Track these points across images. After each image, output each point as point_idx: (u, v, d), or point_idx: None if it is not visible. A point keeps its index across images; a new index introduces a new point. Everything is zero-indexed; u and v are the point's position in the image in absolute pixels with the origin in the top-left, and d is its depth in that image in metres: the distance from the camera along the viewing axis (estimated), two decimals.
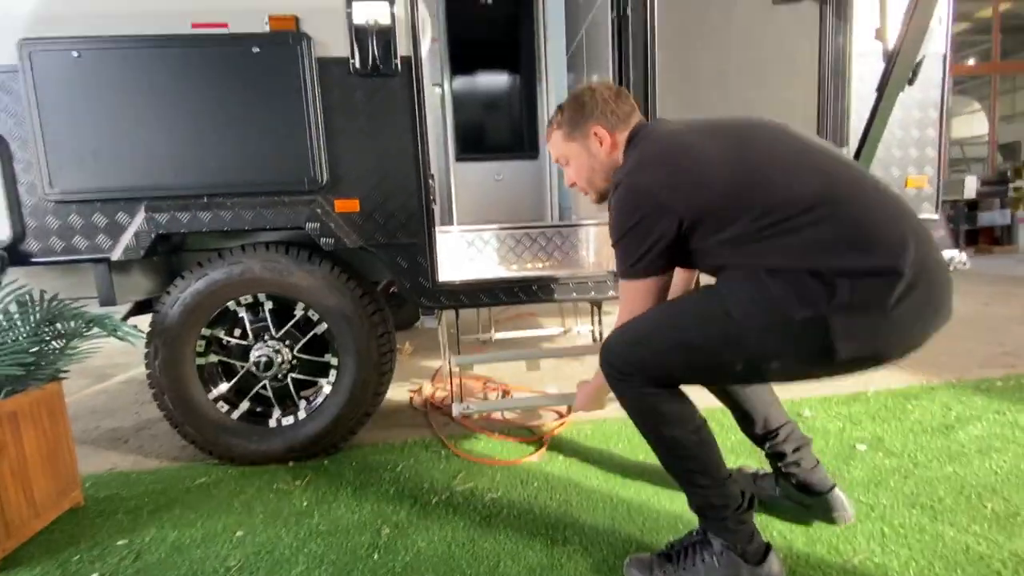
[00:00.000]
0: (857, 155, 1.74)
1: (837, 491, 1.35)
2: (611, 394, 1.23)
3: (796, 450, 1.38)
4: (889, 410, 2.05)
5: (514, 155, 3.76)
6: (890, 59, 1.62)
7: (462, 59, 3.77)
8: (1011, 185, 7.15)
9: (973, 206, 7.28)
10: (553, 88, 3.63)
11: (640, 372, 1.14)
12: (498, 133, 3.80)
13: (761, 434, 1.40)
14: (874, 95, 1.69)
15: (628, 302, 1.17)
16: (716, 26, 1.74)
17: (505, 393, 2.41)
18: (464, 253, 2.14)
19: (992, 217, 7.01)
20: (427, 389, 2.53)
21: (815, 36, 1.66)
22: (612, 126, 1.23)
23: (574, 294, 1.96)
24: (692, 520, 1.22)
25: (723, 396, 1.42)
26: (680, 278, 1.42)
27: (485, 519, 1.47)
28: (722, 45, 1.74)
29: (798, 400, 2.17)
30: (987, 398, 2.10)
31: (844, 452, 1.73)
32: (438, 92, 3.74)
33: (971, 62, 8.66)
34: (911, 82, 1.65)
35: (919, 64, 1.64)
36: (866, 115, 1.71)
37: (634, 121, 1.24)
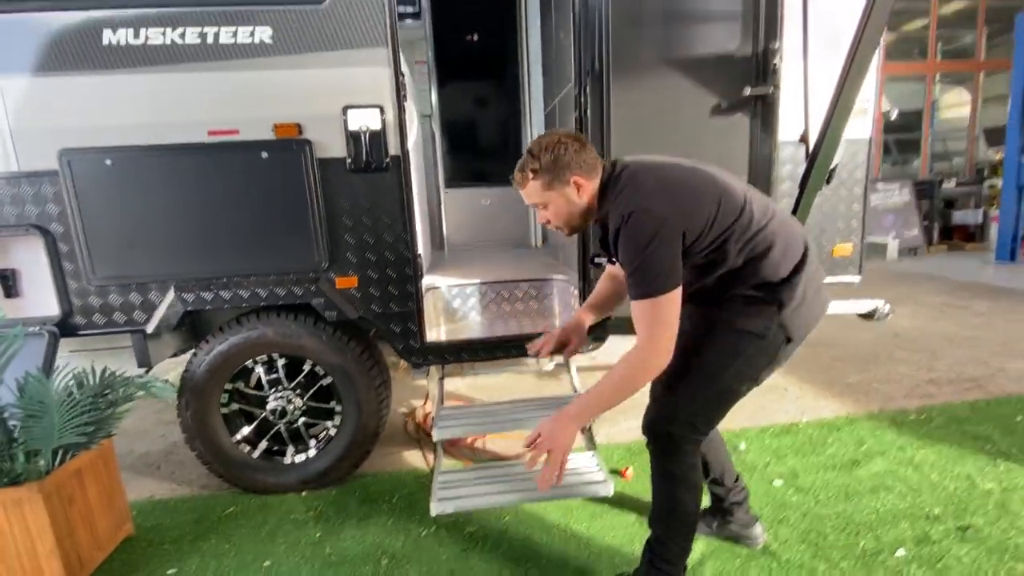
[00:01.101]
0: None
1: (757, 524, 1.73)
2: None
3: (738, 504, 1.73)
4: (812, 443, 2.40)
5: (500, 182, 4.00)
6: (810, 163, 1.89)
7: (451, 93, 3.98)
8: (987, 183, 7.40)
9: (950, 204, 7.54)
10: (536, 123, 3.86)
11: (692, 440, 1.38)
12: (485, 162, 4.04)
13: (715, 481, 1.72)
14: (797, 191, 1.98)
15: (661, 314, 1.23)
16: (663, 129, 2.01)
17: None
18: (448, 309, 2.45)
19: (965, 216, 7.28)
20: (419, 414, 2.87)
21: (746, 141, 1.93)
22: (587, 174, 1.37)
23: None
24: (632, 547, 1.58)
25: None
26: (607, 286, 1.73)
27: (464, 551, 1.82)
28: (667, 145, 2.01)
29: (737, 431, 2.53)
30: (897, 432, 2.45)
31: (763, 487, 2.09)
32: (427, 122, 3.96)
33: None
34: (828, 182, 1.93)
35: (834, 169, 1.91)
36: (790, 208, 2.00)
37: (599, 165, 1.40)
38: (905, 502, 1.95)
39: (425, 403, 3.02)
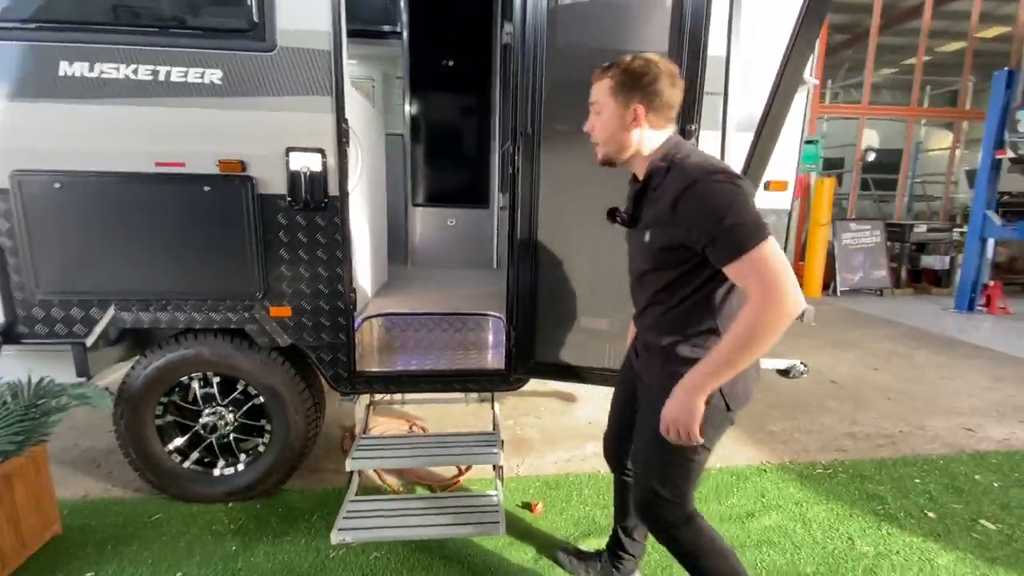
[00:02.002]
0: None
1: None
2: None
3: (632, 558, 1.85)
4: (719, 491, 2.54)
5: (466, 204, 4.12)
6: None
7: (424, 113, 4.08)
8: (956, 230, 7.58)
9: (921, 247, 7.73)
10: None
11: (681, 514, 1.38)
12: (452, 183, 4.15)
13: (625, 528, 1.83)
14: None
15: (778, 260, 1.11)
16: (589, 194, 2.13)
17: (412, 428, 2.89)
18: (384, 338, 2.57)
19: (933, 261, 7.46)
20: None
21: None
22: (652, 112, 1.28)
23: (471, 386, 2.41)
24: None
25: (621, 486, 1.79)
26: None
27: None
28: (593, 208, 2.14)
29: None
30: (800, 486, 2.60)
31: None
32: (400, 141, 4.07)
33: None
34: None
35: None
36: None
37: (670, 123, 1.33)
38: (784, 559, 2.09)
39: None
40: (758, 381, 1.41)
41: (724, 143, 2.08)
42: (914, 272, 7.75)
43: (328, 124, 2.06)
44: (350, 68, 4.74)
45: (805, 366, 2.66)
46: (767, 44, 1.96)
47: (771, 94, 1.73)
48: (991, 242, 6.38)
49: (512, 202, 2.22)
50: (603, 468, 2.73)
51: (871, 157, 7.69)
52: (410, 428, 3.03)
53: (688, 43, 1.94)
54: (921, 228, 7.52)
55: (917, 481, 2.66)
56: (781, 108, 1.75)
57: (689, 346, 1.33)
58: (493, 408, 2.46)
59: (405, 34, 3.91)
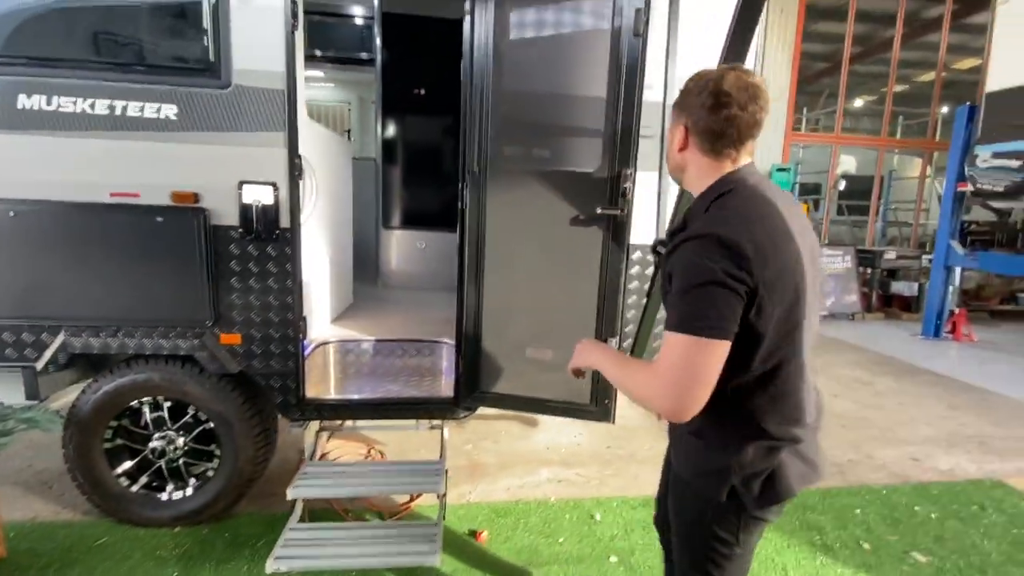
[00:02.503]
0: (634, 345, 2.25)
1: None
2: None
3: None
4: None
5: (436, 227, 4.19)
6: (655, 273, 2.11)
7: (396, 138, 4.17)
8: (925, 257, 7.76)
9: (892, 273, 7.90)
10: None
11: None
12: (423, 207, 4.23)
13: None
14: (644, 299, 2.19)
15: (681, 359, 1.00)
16: (530, 231, 2.22)
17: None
18: (338, 364, 2.61)
19: (901, 287, 7.63)
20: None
21: (599, 251, 2.15)
22: (697, 136, 1.10)
23: (421, 414, 2.46)
24: None
25: (667, 551, 1.54)
26: None
27: None
28: (533, 245, 2.23)
29: (602, 499, 2.71)
30: None
31: (598, 564, 2.26)
32: (372, 164, 4.15)
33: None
34: None
35: None
36: (638, 311, 2.22)
37: (725, 156, 1.09)
38: None
39: (326, 444, 3.17)
40: (804, 481, 1.12)
41: (661, 184, 2.18)
42: (885, 297, 7.90)
43: (281, 159, 2.13)
44: (328, 92, 4.84)
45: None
46: None
47: None
48: (958, 270, 6.55)
49: (460, 236, 2.29)
50: (553, 494, 2.78)
51: (842, 185, 7.87)
52: (368, 452, 3.06)
53: (624, 88, 2.04)
54: (891, 255, 7.70)
55: (858, 511, 2.73)
56: None
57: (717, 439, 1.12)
58: (442, 436, 2.51)
59: (378, 62, 4.01)
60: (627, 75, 2.02)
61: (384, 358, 2.67)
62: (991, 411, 4.25)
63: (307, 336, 2.32)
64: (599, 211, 2.08)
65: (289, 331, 2.25)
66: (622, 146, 2.04)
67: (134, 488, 2.36)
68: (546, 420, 3.62)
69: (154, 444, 2.34)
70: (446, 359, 2.70)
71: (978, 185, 5.45)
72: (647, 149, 2.15)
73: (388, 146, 4.16)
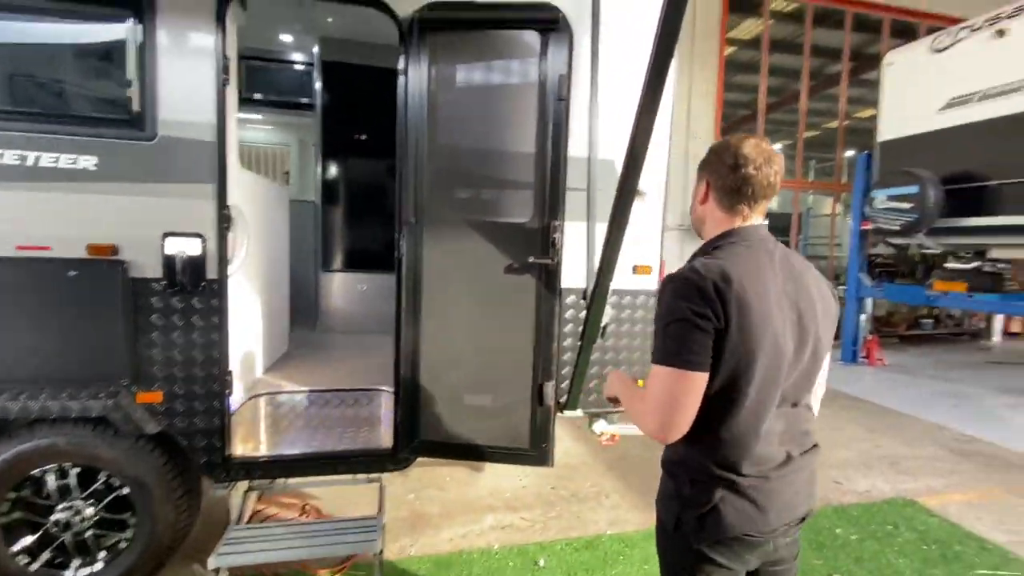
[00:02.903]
0: (570, 388, 2.31)
1: None
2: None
3: None
4: (605, 560, 2.61)
5: (377, 270, 4.17)
6: (586, 319, 2.19)
7: (335, 184, 4.17)
8: (839, 288, 8.42)
9: None
10: None
11: None
12: (364, 250, 4.21)
13: None
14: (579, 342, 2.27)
15: (659, 389, 1.12)
16: (467, 278, 2.28)
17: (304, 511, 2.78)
18: (270, 417, 2.52)
19: None
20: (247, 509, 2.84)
21: (532, 298, 2.23)
22: (714, 189, 1.23)
23: (357, 467, 2.39)
24: None
25: None
26: None
27: None
28: (470, 292, 2.28)
29: (546, 543, 2.70)
30: None
31: None
32: (311, 207, 4.11)
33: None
34: (602, 336, 2.24)
35: (606, 326, 2.23)
36: (575, 353, 2.30)
37: (735, 211, 1.21)
38: None
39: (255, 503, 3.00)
40: (747, 524, 1.15)
41: (590, 233, 2.29)
42: None
43: (209, 209, 2.09)
44: (267, 134, 4.79)
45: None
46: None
47: (616, 193, 1.95)
48: (869, 300, 7.15)
49: (398, 285, 2.31)
50: (497, 542, 2.75)
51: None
52: (303, 509, 2.92)
53: (551, 146, 2.17)
54: None
55: None
56: (623, 205, 1.95)
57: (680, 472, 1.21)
58: (380, 489, 2.44)
59: (318, 106, 4.04)
60: (553, 134, 2.16)
61: (319, 409, 2.59)
62: (902, 432, 4.60)
63: (234, 390, 2.23)
64: (531, 260, 2.17)
65: (215, 386, 2.16)
66: (551, 199, 2.16)
67: (34, 566, 2.13)
68: (493, 464, 3.59)
69: (58, 516, 2.14)
70: (385, 408, 2.66)
71: (878, 224, 6.04)
72: (577, 201, 2.28)
73: (329, 189, 4.15)
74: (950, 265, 6.27)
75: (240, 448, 2.28)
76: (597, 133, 2.22)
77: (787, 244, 9.64)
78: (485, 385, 2.31)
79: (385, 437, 2.54)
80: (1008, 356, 7.84)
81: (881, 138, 6.54)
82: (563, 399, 2.38)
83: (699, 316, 1.07)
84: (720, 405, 1.13)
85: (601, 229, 2.30)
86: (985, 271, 6.17)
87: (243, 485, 2.42)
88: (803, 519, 1.25)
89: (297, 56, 4.39)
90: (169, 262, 2.06)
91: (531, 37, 2.20)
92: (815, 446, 1.28)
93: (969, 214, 5.40)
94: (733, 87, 9.91)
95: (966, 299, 6.02)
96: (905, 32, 9.14)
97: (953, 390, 5.95)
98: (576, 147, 2.24)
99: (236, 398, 2.37)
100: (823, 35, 9.30)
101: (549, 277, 2.19)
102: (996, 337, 8.89)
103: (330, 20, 3.73)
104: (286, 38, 4.11)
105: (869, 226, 6.33)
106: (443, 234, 2.26)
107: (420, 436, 2.34)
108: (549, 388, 2.32)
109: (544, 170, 2.16)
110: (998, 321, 8.88)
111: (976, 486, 3.57)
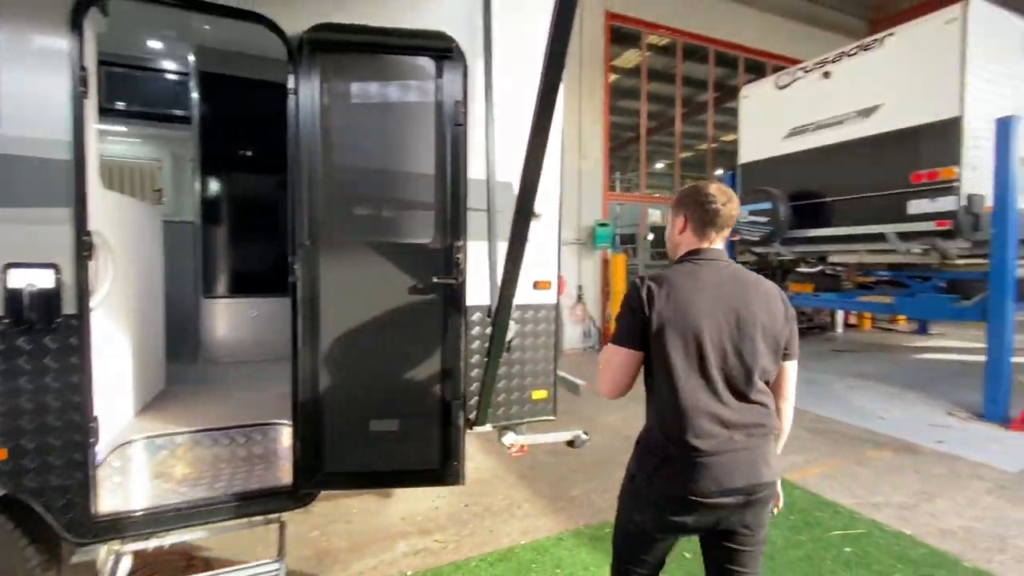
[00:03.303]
0: (479, 404, 2.35)
1: None
2: None
3: None
4: (520, 569, 2.66)
5: (269, 293, 3.91)
6: (492, 336, 2.25)
7: (217, 202, 3.87)
8: None
9: None
10: None
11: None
12: (253, 273, 3.93)
13: None
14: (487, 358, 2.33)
15: (602, 360, 1.60)
16: (369, 300, 2.23)
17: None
18: (146, 465, 2.25)
19: None
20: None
21: (438, 318, 2.24)
22: (692, 224, 1.57)
23: (254, 510, 2.21)
24: None
25: None
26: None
27: None
28: (373, 314, 2.24)
29: (460, 562, 2.69)
30: (590, 550, 2.85)
31: None
32: (190, 228, 3.77)
33: None
34: (508, 350, 2.31)
35: (511, 341, 2.31)
36: (482, 369, 2.34)
37: (704, 238, 1.56)
38: None
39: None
40: (675, 488, 1.44)
41: (492, 252, 2.36)
42: None
43: (65, 237, 1.86)
44: (133, 147, 4.33)
45: (587, 434, 3.00)
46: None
47: (515, 212, 2.04)
48: None
49: (293, 311, 2.20)
50: (410, 568, 2.68)
51: (651, 236, 9.23)
52: (187, 566, 2.63)
53: (450, 168, 2.22)
54: None
55: None
56: (522, 223, 2.05)
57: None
58: (280, 530, 2.28)
59: (195, 119, 3.73)
60: (452, 157, 2.21)
61: (206, 450, 2.37)
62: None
63: (100, 438, 1.98)
64: (436, 280, 2.18)
65: (76, 436, 1.90)
66: (453, 220, 2.20)
67: None
68: (402, 490, 3.50)
69: None
70: (282, 442, 2.50)
71: (742, 235, 6.87)
72: (478, 222, 2.34)
73: (210, 208, 3.82)
74: (801, 269, 7.29)
75: (109, 503, 2.01)
76: (495, 155, 2.31)
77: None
78: (391, 409, 2.27)
79: (284, 474, 2.38)
80: (849, 345, 9.21)
81: (741, 160, 7.45)
82: (473, 415, 2.41)
83: (631, 309, 1.50)
84: (659, 384, 1.49)
85: (502, 248, 2.40)
86: (827, 274, 7.28)
87: (115, 546, 2.13)
88: (752, 496, 1.44)
89: (169, 64, 4.02)
90: (14, 296, 1.78)
91: (426, 62, 2.24)
92: (765, 435, 1.49)
93: (812, 226, 6.32)
94: (619, 111, 10.71)
95: (814, 298, 7.05)
96: (756, 68, 10.53)
97: (808, 377, 6.86)
98: (475, 170, 2.31)
99: (103, 447, 2.09)
100: (693, 67, 10.42)
101: (454, 296, 2.21)
102: (839, 329, 10.41)
103: (207, 28, 3.48)
104: (155, 44, 3.75)
105: (736, 237, 7.15)
106: (342, 256, 2.20)
107: (324, 468, 2.23)
108: (457, 406, 2.34)
109: (444, 192, 2.19)
110: (840, 315, 10.40)
111: (829, 459, 4.15)
